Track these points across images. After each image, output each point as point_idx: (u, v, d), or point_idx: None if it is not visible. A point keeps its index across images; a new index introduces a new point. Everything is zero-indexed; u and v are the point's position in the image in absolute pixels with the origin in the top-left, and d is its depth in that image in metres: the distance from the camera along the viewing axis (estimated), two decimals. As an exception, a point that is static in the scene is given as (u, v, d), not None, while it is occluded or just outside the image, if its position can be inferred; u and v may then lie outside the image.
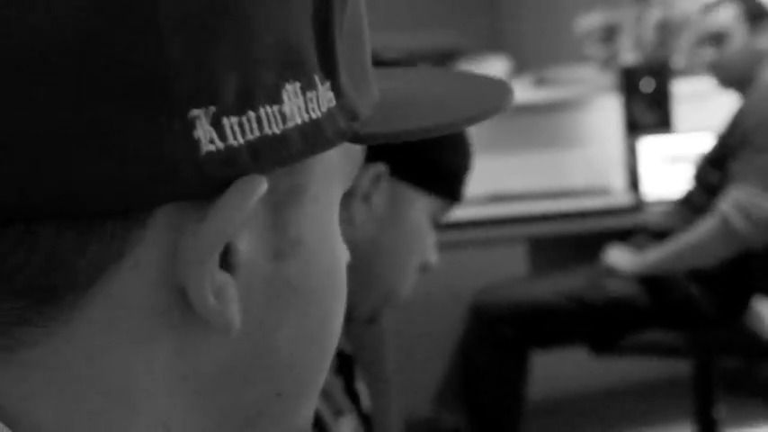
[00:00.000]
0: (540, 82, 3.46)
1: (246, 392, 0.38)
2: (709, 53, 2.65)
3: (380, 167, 1.01)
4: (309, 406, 0.42)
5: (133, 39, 0.31)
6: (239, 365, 0.37)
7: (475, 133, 3.78)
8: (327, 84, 0.37)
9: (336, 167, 0.40)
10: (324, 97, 0.36)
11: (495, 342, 2.58)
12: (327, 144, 0.37)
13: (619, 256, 2.61)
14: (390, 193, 1.03)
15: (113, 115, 0.31)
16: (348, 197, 0.38)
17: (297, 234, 0.37)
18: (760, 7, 2.61)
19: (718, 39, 2.61)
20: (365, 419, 1.06)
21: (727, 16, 2.61)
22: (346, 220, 0.97)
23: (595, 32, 3.60)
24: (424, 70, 0.48)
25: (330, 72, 0.37)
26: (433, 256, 1.12)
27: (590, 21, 3.62)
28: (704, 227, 2.52)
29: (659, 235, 2.64)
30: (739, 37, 2.60)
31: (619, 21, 3.53)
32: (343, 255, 0.41)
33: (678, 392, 2.98)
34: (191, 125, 0.32)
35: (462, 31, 4.64)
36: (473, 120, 0.43)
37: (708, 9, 2.69)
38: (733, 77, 2.63)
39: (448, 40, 4.54)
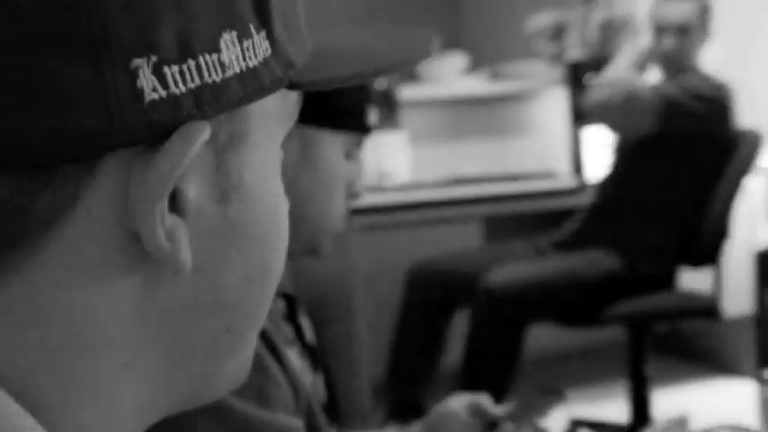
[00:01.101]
0: (495, 76, 3.46)
1: (200, 329, 0.37)
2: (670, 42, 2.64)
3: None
4: (253, 339, 0.41)
5: None
6: (192, 304, 0.36)
7: (436, 123, 3.83)
8: (263, 33, 0.35)
9: (275, 114, 0.39)
10: (260, 47, 0.35)
11: (426, 304, 2.54)
12: (265, 91, 0.36)
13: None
14: (299, 138, 1.00)
15: (58, 68, 0.30)
16: None
17: (239, 178, 0.36)
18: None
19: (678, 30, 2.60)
20: (309, 349, 1.06)
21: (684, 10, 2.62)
22: None
23: (545, 31, 3.56)
24: (359, 28, 0.46)
25: (265, 21, 0.36)
26: (359, 186, 1.08)
27: (540, 20, 3.59)
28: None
29: (595, 210, 2.65)
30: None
31: (566, 20, 3.50)
32: (282, 198, 0.40)
33: (614, 355, 3.01)
34: (134, 75, 0.31)
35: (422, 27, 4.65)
36: (396, 66, 0.42)
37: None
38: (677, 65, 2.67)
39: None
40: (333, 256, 2.56)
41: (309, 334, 1.08)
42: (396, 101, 3.06)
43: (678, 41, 2.62)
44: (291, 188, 0.96)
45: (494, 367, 2.43)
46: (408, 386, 2.56)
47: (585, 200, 2.84)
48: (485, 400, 1.19)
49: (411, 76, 3.43)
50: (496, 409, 1.19)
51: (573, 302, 2.51)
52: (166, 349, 0.36)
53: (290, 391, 0.86)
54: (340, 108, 1.03)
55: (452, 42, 4.43)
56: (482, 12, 4.72)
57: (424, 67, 3.40)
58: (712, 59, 2.79)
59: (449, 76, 3.40)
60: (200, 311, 0.36)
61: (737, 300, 2.66)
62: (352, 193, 1.07)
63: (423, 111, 3.37)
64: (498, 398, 2.39)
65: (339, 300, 2.73)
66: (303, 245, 1.03)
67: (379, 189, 2.85)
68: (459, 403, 1.19)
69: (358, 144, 1.07)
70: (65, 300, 0.33)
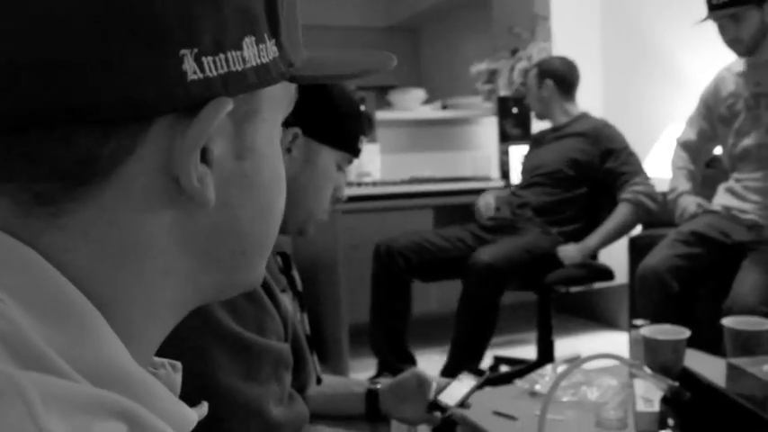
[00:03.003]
0: (446, 106, 3.44)
1: (221, 248, 0.37)
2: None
3: (296, 129, 0.98)
4: (261, 264, 0.41)
5: (142, 3, 0.31)
6: (215, 230, 0.36)
7: (401, 138, 3.79)
8: (273, 40, 0.36)
9: (278, 98, 0.39)
10: (270, 49, 0.36)
11: (390, 271, 2.47)
12: (273, 81, 0.36)
13: (568, 251, 2.45)
14: (305, 146, 1.00)
15: (131, 53, 0.31)
16: None
17: (251, 142, 0.37)
18: (547, 71, 2.61)
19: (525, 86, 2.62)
20: (299, 295, 1.05)
21: (531, 73, 2.63)
22: None
23: (482, 75, 3.58)
24: (341, 50, 0.47)
25: (275, 31, 0.36)
26: (343, 193, 1.07)
27: (479, 67, 3.61)
28: (624, 213, 2.44)
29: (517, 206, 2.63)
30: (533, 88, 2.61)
31: (497, 68, 3.50)
32: (281, 162, 0.40)
33: (528, 312, 3.01)
34: (181, 61, 0.32)
35: (395, 72, 4.65)
36: (365, 72, 0.43)
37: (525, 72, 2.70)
38: (536, 113, 2.67)
39: (385, 77, 4.54)
40: (324, 231, 2.57)
41: (299, 284, 1.06)
42: (373, 121, 3.05)
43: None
44: (296, 180, 0.99)
45: (480, 321, 2.37)
46: (386, 331, 2.48)
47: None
48: (428, 379, 1.15)
49: (385, 103, 3.41)
50: (440, 381, 1.16)
51: (527, 273, 2.45)
52: (196, 262, 0.36)
53: (281, 325, 0.84)
54: (341, 133, 1.03)
55: (414, 80, 4.45)
56: (437, 59, 4.74)
57: (394, 98, 3.39)
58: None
59: (411, 104, 3.39)
60: (221, 236, 0.37)
61: (617, 272, 2.65)
62: (337, 196, 1.06)
63: (392, 129, 3.37)
64: (485, 343, 2.37)
65: (327, 262, 2.71)
66: (296, 225, 1.02)
67: (358, 184, 2.83)
68: (413, 374, 1.16)
69: (348, 161, 1.06)
70: (123, 221, 0.33)
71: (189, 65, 0.32)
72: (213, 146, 0.35)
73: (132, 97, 0.31)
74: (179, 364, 0.41)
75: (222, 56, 0.33)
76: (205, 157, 0.34)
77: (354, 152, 1.06)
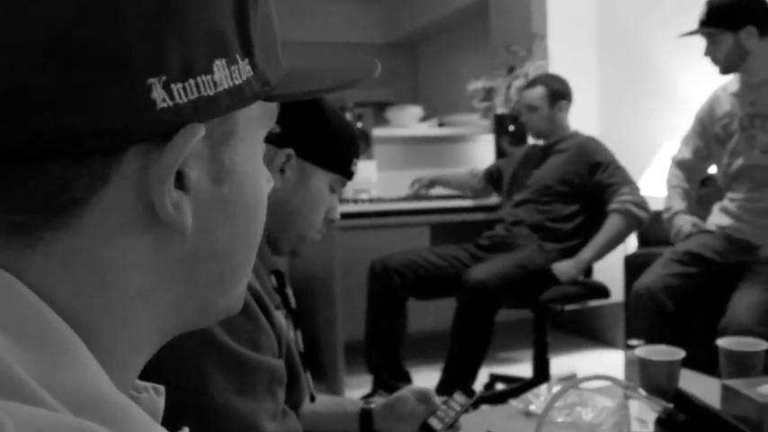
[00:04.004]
0: (443, 123, 3.45)
1: (200, 274, 0.37)
2: (525, 116, 2.65)
3: (290, 151, 0.98)
4: (242, 286, 0.40)
5: (105, 33, 0.31)
6: (193, 255, 0.36)
7: (398, 155, 3.78)
8: (246, 60, 0.35)
9: (256, 118, 0.38)
10: (243, 69, 0.35)
11: (386, 288, 2.47)
12: (247, 102, 0.36)
13: (563, 267, 2.45)
14: (298, 168, 0.99)
15: (98, 84, 0.31)
16: (269, 170, 0.35)
17: (230, 164, 0.36)
18: (559, 91, 2.61)
19: (531, 108, 2.61)
20: (292, 312, 1.05)
21: (537, 94, 2.61)
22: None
23: (479, 93, 3.59)
24: (325, 61, 0.46)
25: (247, 51, 0.36)
26: (336, 214, 1.07)
27: (476, 85, 3.62)
28: (614, 223, 2.44)
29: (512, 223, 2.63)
30: (545, 108, 2.60)
31: (494, 86, 3.51)
32: (262, 180, 0.40)
33: (524, 330, 3.01)
34: (149, 89, 0.32)
35: (392, 88, 4.67)
36: (344, 85, 0.41)
37: (525, 88, 2.67)
38: (539, 133, 2.66)
39: (382, 94, 4.57)
40: (320, 248, 2.56)
41: (293, 301, 1.06)
42: (370, 138, 3.05)
43: (530, 116, 2.64)
44: (288, 201, 0.99)
45: (475, 338, 2.37)
46: (382, 349, 2.47)
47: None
48: (431, 391, 1.15)
49: (382, 120, 3.43)
50: (437, 399, 1.16)
51: (523, 290, 2.45)
52: (174, 288, 0.36)
53: (275, 341, 0.84)
54: (335, 155, 1.03)
55: (412, 98, 4.48)
56: (434, 77, 4.76)
57: (391, 115, 3.40)
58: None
59: (408, 122, 3.40)
60: (200, 261, 0.36)
61: (612, 290, 2.64)
62: (329, 218, 1.06)
63: (389, 146, 3.37)
64: (479, 361, 2.36)
65: (323, 278, 2.70)
66: (289, 246, 1.03)
67: (354, 201, 2.83)
68: (411, 391, 1.15)
69: (342, 184, 1.06)
70: (100, 249, 0.33)
71: (158, 93, 0.32)
72: (189, 170, 0.34)
73: (102, 128, 0.31)
74: (162, 388, 0.41)
75: (192, 81, 0.33)
76: (182, 182, 0.34)
77: (347, 175, 1.06)
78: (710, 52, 2.21)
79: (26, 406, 0.28)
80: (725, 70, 2.22)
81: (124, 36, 0.31)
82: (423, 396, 1.14)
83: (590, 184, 2.53)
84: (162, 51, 0.32)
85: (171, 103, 0.32)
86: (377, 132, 3.16)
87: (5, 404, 0.27)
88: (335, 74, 0.43)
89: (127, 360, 0.35)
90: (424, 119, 3.44)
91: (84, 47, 0.30)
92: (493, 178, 2.91)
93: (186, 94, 0.33)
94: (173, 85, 0.32)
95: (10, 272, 0.32)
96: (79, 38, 0.30)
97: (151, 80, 0.32)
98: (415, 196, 2.98)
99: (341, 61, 0.46)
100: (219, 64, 0.34)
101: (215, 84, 0.34)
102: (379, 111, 3.38)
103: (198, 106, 0.33)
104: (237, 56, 0.35)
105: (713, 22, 2.17)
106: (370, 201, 2.85)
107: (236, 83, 0.35)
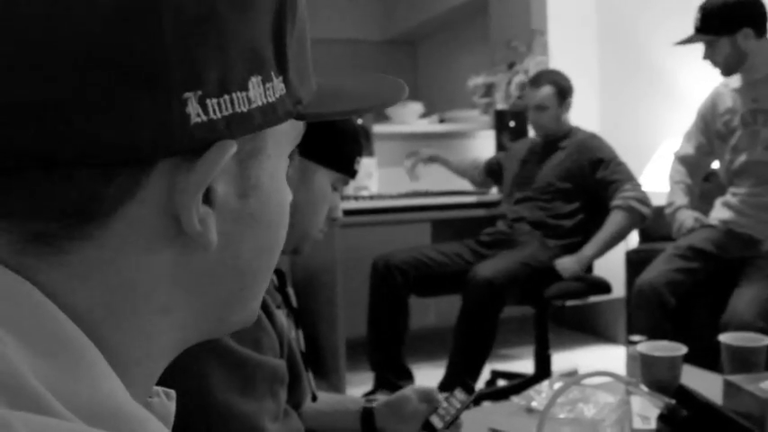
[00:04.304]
0: (443, 120, 3.45)
1: (221, 287, 0.37)
2: (533, 116, 2.62)
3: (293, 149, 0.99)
4: (258, 298, 0.41)
5: (145, 45, 0.30)
6: (216, 269, 0.36)
7: (398, 152, 3.78)
8: (280, 78, 0.35)
9: (284, 135, 0.38)
10: (277, 87, 0.35)
11: (388, 285, 2.47)
12: (279, 120, 0.36)
13: (565, 263, 2.45)
14: (301, 166, 1.00)
15: (134, 95, 0.30)
16: None
17: (256, 181, 0.36)
18: (566, 89, 2.60)
19: (541, 108, 2.58)
20: (293, 311, 1.05)
21: (546, 93, 2.58)
22: None
23: (479, 88, 3.59)
24: (353, 74, 0.45)
25: (282, 69, 0.36)
26: (338, 213, 1.07)
27: (476, 80, 3.61)
28: (617, 220, 2.42)
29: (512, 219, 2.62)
30: (554, 107, 2.58)
31: (495, 81, 3.51)
32: (287, 196, 0.40)
33: (525, 326, 3.03)
34: (184, 104, 0.31)
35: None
36: (373, 108, 0.42)
37: (531, 87, 2.63)
38: (547, 132, 2.62)
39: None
40: (321, 245, 2.56)
41: (294, 300, 1.06)
42: (370, 135, 3.05)
43: (539, 116, 2.61)
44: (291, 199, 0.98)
45: (479, 336, 2.36)
46: (384, 346, 2.47)
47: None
48: (434, 390, 1.15)
49: (382, 117, 3.42)
50: (441, 397, 1.15)
51: (526, 287, 2.44)
52: (195, 301, 0.36)
53: (277, 341, 0.84)
54: (337, 154, 1.03)
55: (412, 94, 4.45)
56: (434, 73, 4.76)
57: (391, 111, 3.40)
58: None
59: (409, 118, 3.40)
60: (222, 276, 0.36)
61: (614, 286, 2.64)
62: (332, 216, 1.06)
63: (389, 143, 3.37)
64: (483, 359, 2.36)
65: (324, 276, 2.70)
66: (291, 245, 1.02)
67: (355, 198, 2.82)
68: (413, 391, 1.15)
69: (344, 182, 1.06)
70: (122, 262, 0.33)
71: (192, 108, 0.31)
72: (217, 186, 0.34)
73: (134, 139, 0.31)
74: (173, 393, 0.41)
75: (227, 97, 0.32)
76: (208, 197, 0.34)
77: (350, 173, 1.05)
78: (710, 56, 2.21)
79: (40, 416, 0.28)
80: (726, 72, 2.23)
81: (164, 49, 0.30)
82: (425, 396, 1.14)
83: (592, 181, 2.53)
84: (200, 66, 0.31)
85: (205, 119, 0.32)
86: (377, 129, 3.16)
87: (20, 414, 0.27)
88: (365, 94, 0.43)
89: (145, 371, 0.35)
90: (424, 115, 3.44)
91: (122, 58, 0.30)
92: (493, 171, 2.92)
93: (221, 110, 0.32)
94: (208, 101, 0.32)
95: (28, 280, 0.32)
96: (118, 49, 0.30)
97: (187, 94, 0.31)
98: (417, 193, 2.97)
99: (369, 77, 0.46)
100: (255, 81, 0.34)
101: (249, 100, 0.33)
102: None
103: (231, 123, 0.33)
104: (272, 73, 0.35)
105: (709, 29, 2.17)
106: (371, 198, 2.85)
107: (270, 101, 0.35)
